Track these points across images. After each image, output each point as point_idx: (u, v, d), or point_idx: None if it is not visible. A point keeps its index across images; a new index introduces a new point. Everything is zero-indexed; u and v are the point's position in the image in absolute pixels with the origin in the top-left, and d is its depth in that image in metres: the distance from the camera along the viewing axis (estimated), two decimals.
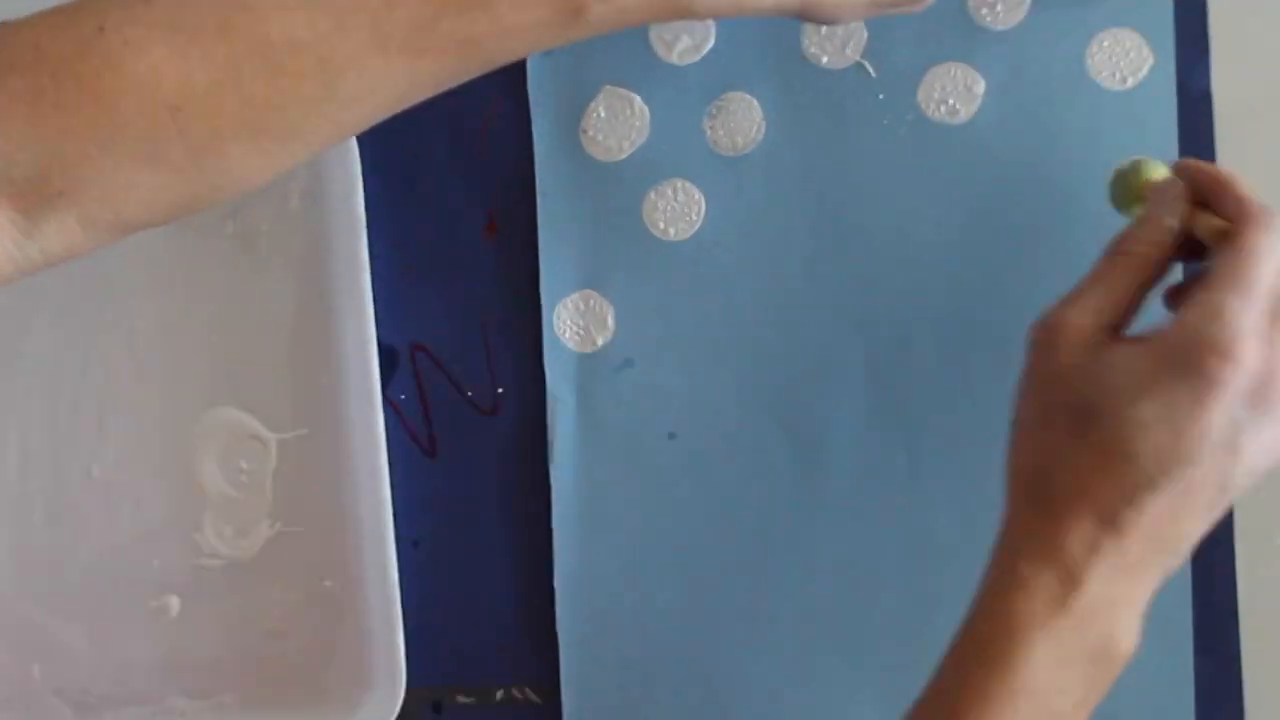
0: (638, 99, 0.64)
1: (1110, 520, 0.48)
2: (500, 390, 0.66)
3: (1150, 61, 0.62)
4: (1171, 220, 0.52)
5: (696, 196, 0.64)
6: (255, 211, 0.66)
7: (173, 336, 0.66)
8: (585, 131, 0.65)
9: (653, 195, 0.65)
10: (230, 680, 0.66)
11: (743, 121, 0.64)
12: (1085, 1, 0.62)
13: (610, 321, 0.65)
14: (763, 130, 0.64)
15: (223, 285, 0.66)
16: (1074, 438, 0.49)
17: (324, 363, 0.64)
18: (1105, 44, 0.62)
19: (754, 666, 0.64)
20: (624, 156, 0.65)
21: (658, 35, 0.64)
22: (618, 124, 0.65)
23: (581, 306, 0.65)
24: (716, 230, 0.64)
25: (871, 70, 0.63)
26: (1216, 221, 0.51)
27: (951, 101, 0.63)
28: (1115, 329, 0.51)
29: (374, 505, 0.63)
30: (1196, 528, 0.50)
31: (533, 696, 0.66)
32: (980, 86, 0.63)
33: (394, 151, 0.66)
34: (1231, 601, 0.62)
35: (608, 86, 0.65)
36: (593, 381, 0.65)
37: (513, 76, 0.65)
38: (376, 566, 0.64)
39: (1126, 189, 0.56)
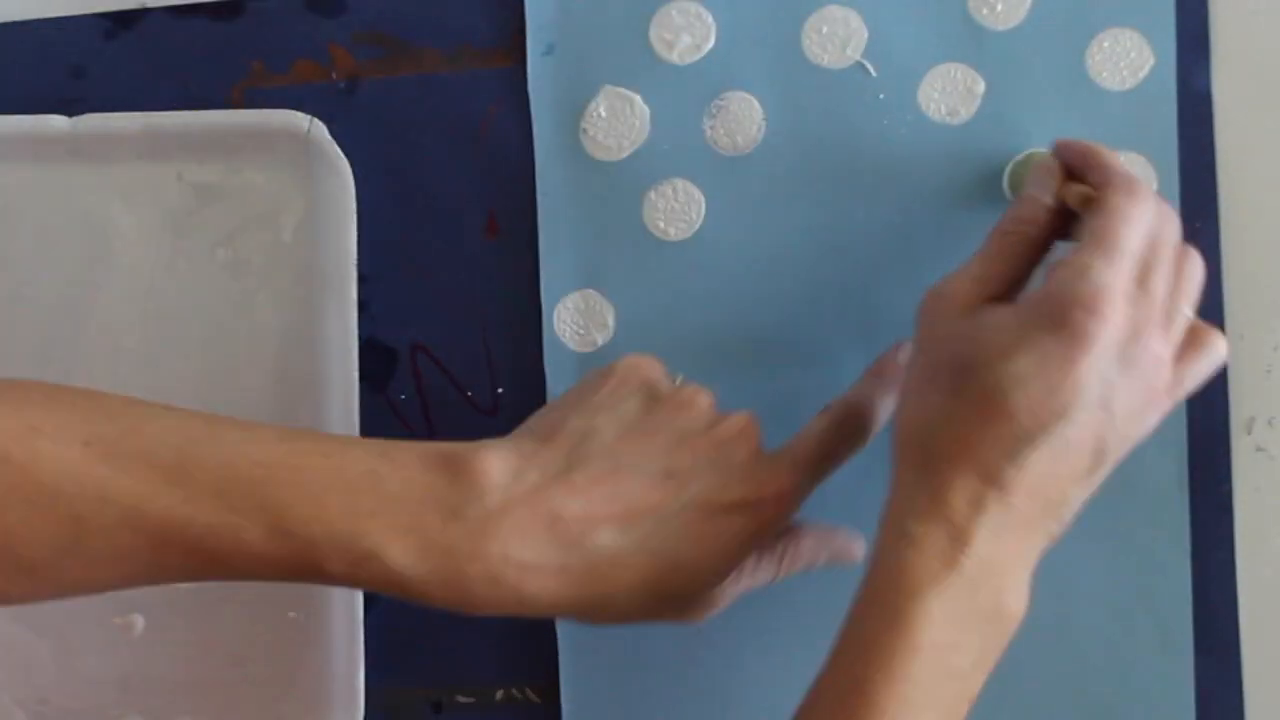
0: (638, 98, 0.64)
1: (992, 476, 0.49)
2: (500, 390, 0.66)
3: (1151, 62, 0.62)
4: (1044, 195, 0.55)
5: (697, 196, 0.64)
6: (248, 241, 0.66)
7: (156, 358, 0.66)
8: (585, 131, 0.65)
9: (653, 195, 0.65)
10: (189, 702, 0.65)
11: (743, 121, 0.64)
12: (1086, 1, 0.62)
13: (610, 321, 0.65)
14: (763, 130, 0.64)
15: (210, 312, 0.66)
16: (954, 396, 0.51)
17: (306, 397, 0.64)
18: (1106, 44, 0.62)
19: (754, 666, 0.64)
20: (624, 156, 0.65)
21: (658, 34, 0.64)
22: (618, 123, 0.65)
23: (581, 306, 0.65)
24: (717, 230, 0.64)
25: (872, 70, 0.63)
26: (1085, 189, 0.54)
27: (952, 102, 0.63)
28: (995, 299, 0.53)
29: None
30: (1079, 490, 0.51)
31: (532, 696, 0.66)
32: (980, 87, 0.63)
33: (394, 151, 0.66)
34: (1232, 601, 0.62)
35: (608, 86, 0.65)
36: None
37: (513, 76, 0.65)
38: (343, 603, 0.64)
39: (1017, 179, 0.60)
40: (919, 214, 0.63)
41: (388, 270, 0.66)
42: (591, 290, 0.65)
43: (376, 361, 0.66)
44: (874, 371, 0.60)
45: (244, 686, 0.66)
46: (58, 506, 0.50)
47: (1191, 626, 0.62)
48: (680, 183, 0.64)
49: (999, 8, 0.63)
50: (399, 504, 0.52)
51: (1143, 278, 0.51)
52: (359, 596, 0.64)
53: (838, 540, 0.60)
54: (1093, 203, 0.53)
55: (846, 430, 0.58)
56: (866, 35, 0.63)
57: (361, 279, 0.65)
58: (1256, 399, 0.62)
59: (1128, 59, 0.62)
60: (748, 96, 0.64)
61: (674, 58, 0.64)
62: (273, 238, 0.65)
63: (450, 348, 0.66)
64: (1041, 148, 0.60)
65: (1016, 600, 0.51)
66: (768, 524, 0.55)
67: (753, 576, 0.58)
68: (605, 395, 0.56)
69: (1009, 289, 0.54)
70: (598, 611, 0.54)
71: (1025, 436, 0.49)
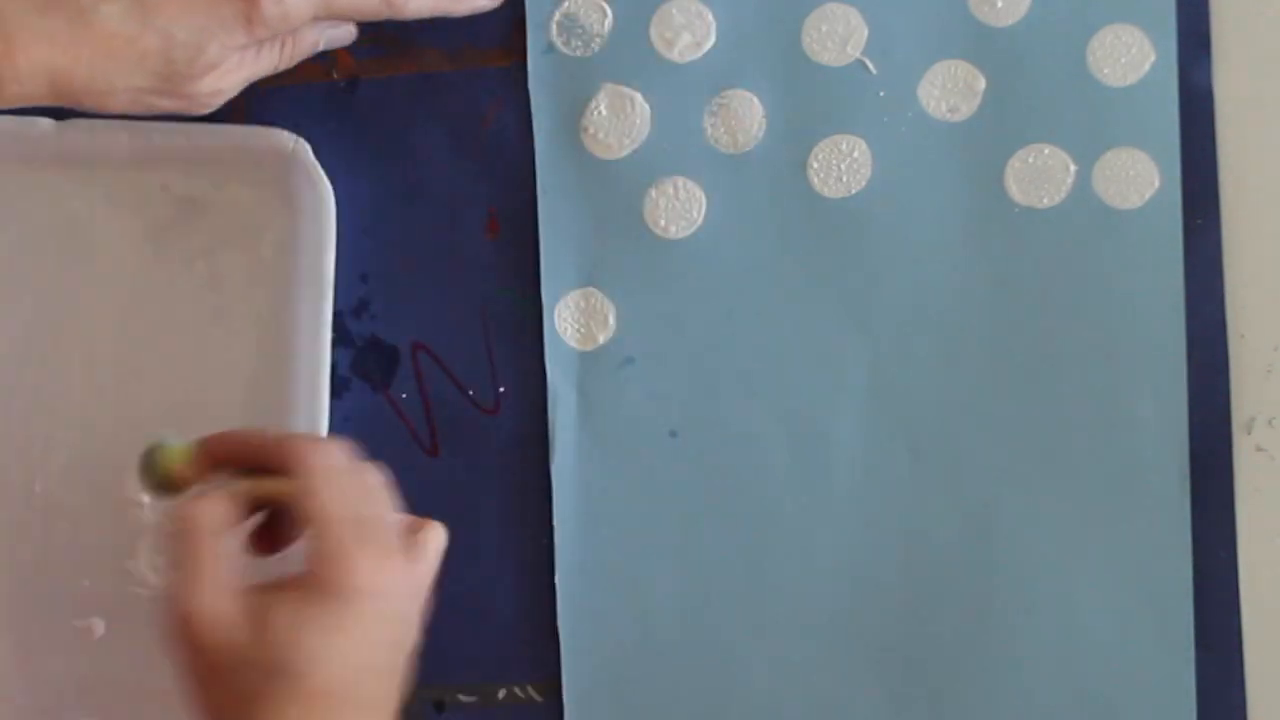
0: (638, 96, 0.64)
1: None
2: (501, 389, 0.66)
3: (1152, 58, 0.62)
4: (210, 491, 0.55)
5: (697, 194, 0.64)
6: (227, 256, 0.66)
7: (130, 364, 0.66)
8: (586, 129, 0.65)
9: (653, 193, 0.64)
10: (148, 708, 0.65)
11: (743, 119, 0.64)
12: None
13: (611, 319, 0.65)
14: (763, 127, 0.64)
15: (185, 323, 0.66)
16: (300, 702, 0.52)
17: (275, 412, 0.64)
18: (1107, 40, 0.62)
19: (754, 665, 0.64)
20: (625, 154, 0.65)
21: (659, 33, 0.64)
22: (618, 122, 0.64)
23: (582, 304, 0.65)
24: (717, 228, 0.64)
25: (872, 67, 0.63)
26: (277, 485, 0.55)
27: (953, 99, 0.63)
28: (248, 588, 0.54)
29: None
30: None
31: (534, 695, 0.66)
32: (981, 83, 0.63)
33: (394, 151, 0.66)
34: (1233, 599, 0.62)
35: (608, 84, 0.64)
36: (594, 380, 0.65)
37: (513, 75, 0.65)
38: None
39: (153, 475, 0.57)
40: (919, 211, 0.63)
41: (388, 270, 0.66)
42: (592, 288, 0.65)
43: (378, 361, 0.66)
44: None
45: None
46: None
47: (1193, 624, 0.62)
48: (681, 181, 0.64)
49: (1000, 4, 0.62)
50: None
51: (370, 527, 0.55)
52: None
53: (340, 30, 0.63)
54: (291, 487, 0.55)
55: None
56: (867, 32, 0.63)
57: (362, 279, 0.66)
58: (1256, 399, 0.62)
59: (1129, 55, 0.62)
60: (748, 94, 0.64)
61: (674, 56, 0.64)
62: (252, 254, 0.66)
63: (451, 346, 0.66)
64: (164, 439, 0.58)
65: None
66: (262, 13, 0.56)
67: (255, 65, 0.59)
68: None
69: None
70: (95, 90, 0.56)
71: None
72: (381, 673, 0.54)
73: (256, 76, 0.60)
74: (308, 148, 0.64)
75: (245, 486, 0.55)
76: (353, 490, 0.54)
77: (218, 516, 0.54)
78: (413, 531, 0.56)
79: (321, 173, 0.63)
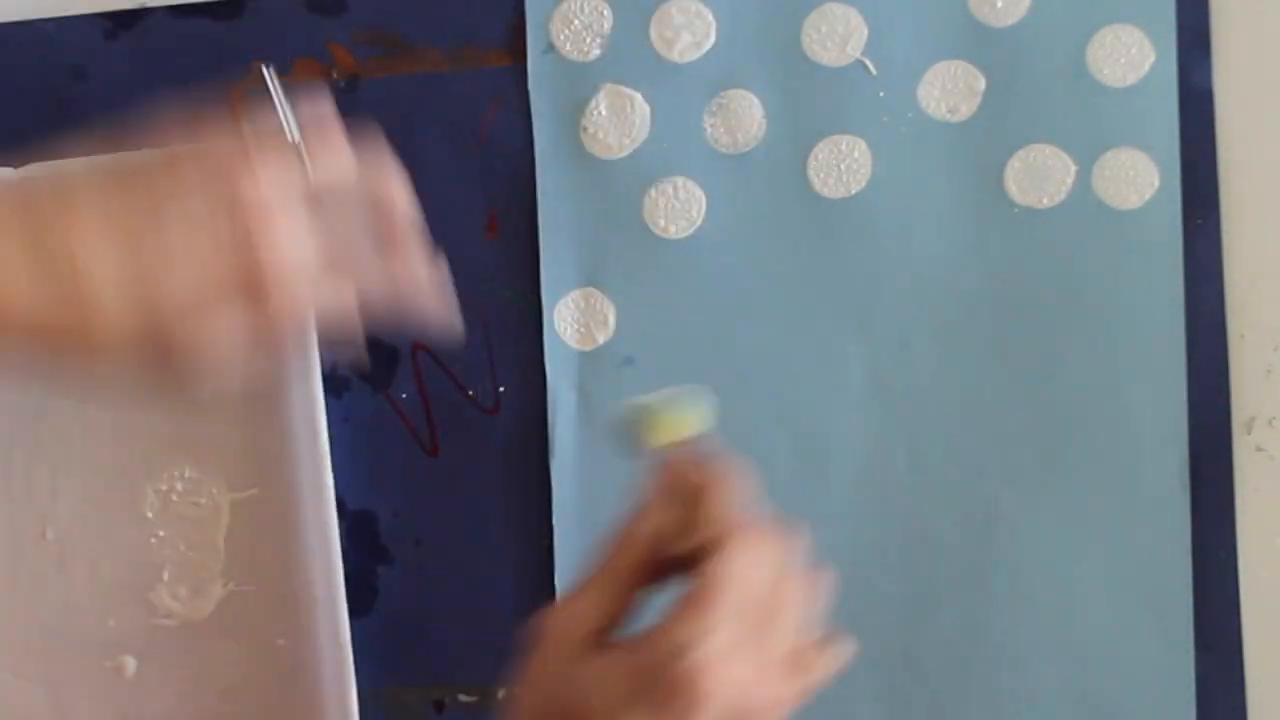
0: (638, 97, 0.64)
1: None
2: (501, 389, 0.66)
3: (1151, 58, 0.62)
4: (645, 531, 0.50)
5: (697, 194, 0.64)
6: None
7: (123, 400, 0.66)
8: (586, 129, 0.65)
9: (653, 193, 0.64)
10: None
11: (743, 119, 0.64)
12: None
13: (611, 319, 0.65)
14: (763, 127, 0.64)
15: None
16: None
17: (273, 423, 0.65)
18: (1107, 41, 0.62)
19: None
20: (624, 154, 0.65)
21: (659, 33, 0.64)
22: (618, 122, 0.64)
23: (582, 304, 0.65)
24: (717, 227, 0.64)
25: (872, 68, 0.63)
26: (690, 540, 0.49)
27: (952, 99, 0.63)
28: (605, 631, 0.49)
29: (325, 563, 0.64)
30: None
31: None
32: (981, 84, 0.63)
33: (394, 151, 0.66)
34: (1233, 599, 0.62)
35: (608, 84, 0.64)
36: (594, 379, 0.65)
37: (513, 76, 0.65)
38: (328, 624, 0.64)
39: (639, 424, 0.52)
40: (919, 211, 0.63)
41: None
42: (592, 288, 0.65)
43: (378, 361, 0.66)
44: None
45: (238, 718, 0.66)
46: None
47: (1192, 624, 0.62)
48: (680, 180, 0.64)
49: (1000, 4, 0.62)
50: None
51: (760, 626, 0.47)
52: (344, 617, 0.64)
53: None
54: (698, 555, 0.48)
55: None
56: (866, 33, 0.63)
57: None
58: (1256, 399, 0.62)
59: (1129, 55, 0.62)
60: (748, 94, 0.64)
61: (674, 56, 0.64)
62: None
63: (451, 347, 0.66)
64: (669, 400, 0.52)
65: None
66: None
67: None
68: None
69: (617, 619, 0.50)
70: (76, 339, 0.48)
71: None
72: None
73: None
74: None
75: (672, 523, 0.50)
76: (769, 581, 0.48)
77: (654, 545, 0.50)
78: (810, 648, 0.50)
79: None
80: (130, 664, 0.66)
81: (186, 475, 0.66)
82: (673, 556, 0.50)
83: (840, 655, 0.50)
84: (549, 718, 0.49)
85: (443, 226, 0.65)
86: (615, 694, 0.47)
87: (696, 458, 0.51)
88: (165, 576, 0.66)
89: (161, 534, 0.66)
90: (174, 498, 0.66)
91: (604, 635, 0.49)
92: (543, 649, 0.50)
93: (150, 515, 0.66)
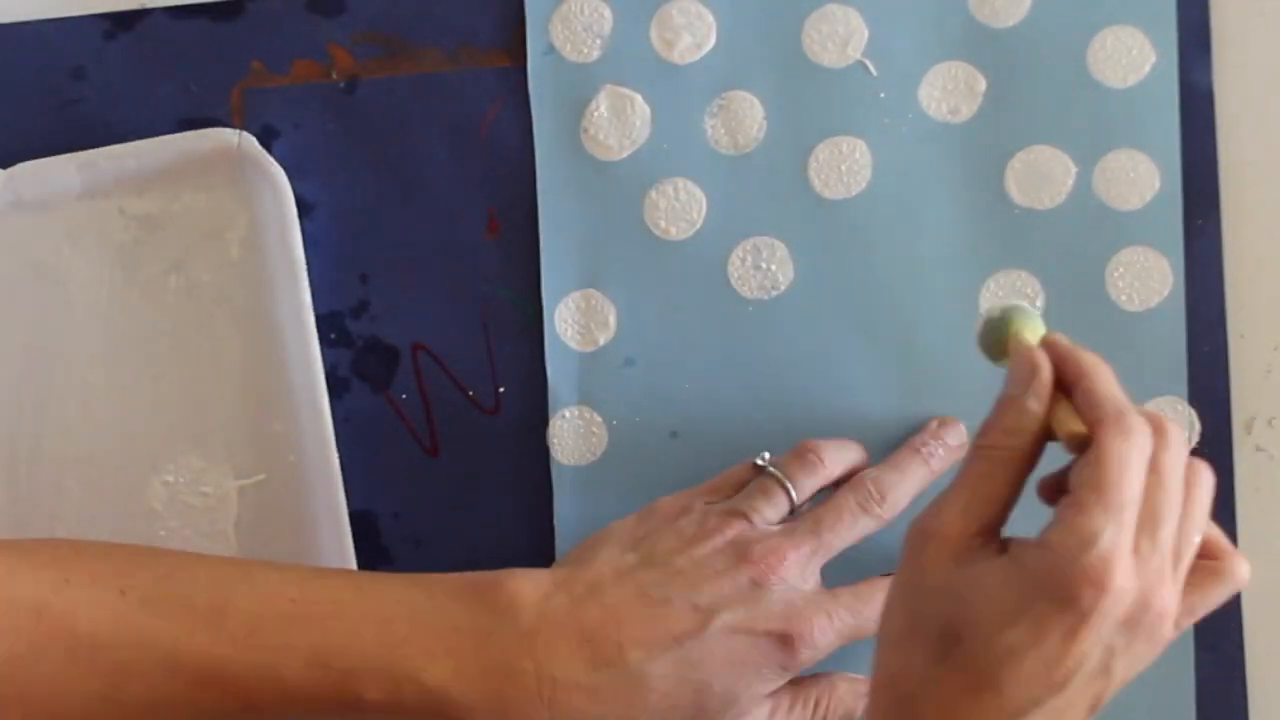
0: (639, 98, 0.64)
1: None
2: (501, 390, 0.66)
3: (1152, 59, 0.62)
4: (1034, 403, 0.48)
5: (698, 195, 0.64)
6: (197, 264, 0.66)
7: (125, 393, 0.66)
8: (586, 130, 0.65)
9: (654, 194, 0.64)
10: None
11: (744, 120, 0.64)
12: None
13: (611, 321, 0.65)
14: (764, 129, 0.64)
15: (170, 338, 0.66)
16: (939, 661, 0.46)
17: (276, 407, 0.65)
18: (1107, 42, 0.62)
19: None
20: (625, 155, 0.65)
21: (659, 34, 0.64)
22: (619, 123, 0.64)
23: (583, 305, 0.65)
24: (718, 229, 0.64)
25: (872, 69, 0.63)
26: (1074, 426, 0.47)
27: (953, 100, 0.63)
28: (989, 530, 0.47)
29: (337, 546, 0.64)
30: None
31: None
32: (982, 85, 0.63)
33: (394, 151, 0.66)
34: (1233, 599, 0.62)
35: (609, 85, 0.64)
36: (594, 380, 0.65)
37: (513, 76, 0.65)
38: None
39: (996, 342, 0.52)
40: (920, 213, 0.63)
41: (388, 270, 0.66)
42: (593, 290, 0.65)
43: (378, 361, 0.66)
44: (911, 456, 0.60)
45: None
46: (97, 655, 0.51)
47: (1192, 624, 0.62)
48: (681, 182, 0.64)
49: (1000, 5, 0.62)
50: (433, 630, 0.53)
51: (1149, 526, 0.45)
52: None
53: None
54: (1086, 444, 0.46)
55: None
56: (867, 34, 0.63)
57: (362, 279, 0.66)
58: (1256, 399, 0.62)
59: (1129, 56, 0.62)
60: (748, 95, 0.64)
61: (674, 57, 0.64)
62: (220, 256, 0.66)
63: (451, 346, 0.66)
64: (1022, 304, 0.52)
65: None
66: (798, 656, 0.55)
67: (787, 717, 0.58)
68: (641, 532, 0.58)
69: (1000, 514, 0.48)
70: None
71: (1016, 711, 0.45)
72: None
73: None
74: (253, 140, 0.64)
75: (1053, 409, 0.47)
76: (1158, 473, 0.45)
77: (1025, 438, 0.47)
78: (1215, 562, 0.48)
79: (271, 159, 0.64)
80: None
81: (192, 465, 0.66)
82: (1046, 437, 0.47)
83: (1237, 573, 0.48)
84: (930, 628, 0.46)
85: (442, 227, 0.66)
86: (1007, 598, 0.45)
87: (1070, 345, 0.48)
88: None
89: (170, 525, 0.66)
90: (180, 488, 0.66)
91: (987, 536, 0.47)
92: (918, 553, 0.47)
93: (159, 508, 0.66)
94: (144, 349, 0.66)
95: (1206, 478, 0.48)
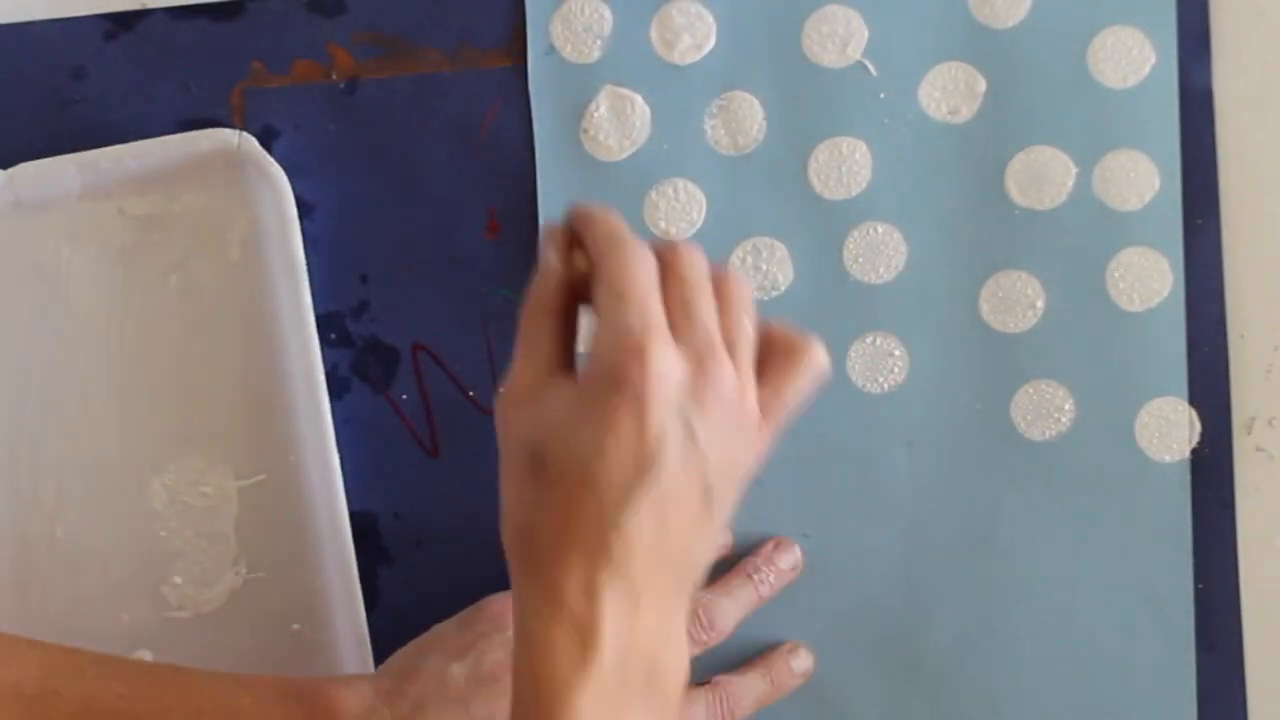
0: (639, 98, 0.64)
1: (599, 555, 0.45)
2: (501, 389, 0.65)
3: (1152, 60, 0.62)
4: (552, 260, 0.50)
5: (698, 196, 0.64)
6: (197, 265, 0.66)
7: (125, 394, 0.66)
8: (586, 131, 0.65)
9: (654, 195, 0.65)
10: None
11: (744, 121, 0.64)
12: None
13: None
14: (764, 129, 0.64)
15: (171, 339, 0.66)
16: (539, 485, 0.47)
17: (277, 407, 0.65)
18: (1107, 42, 0.62)
19: None
20: (625, 156, 0.65)
21: (659, 35, 0.64)
22: (619, 123, 0.65)
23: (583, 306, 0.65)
24: (718, 230, 0.64)
25: (872, 69, 0.63)
26: (583, 255, 0.50)
27: (953, 100, 0.63)
28: (555, 368, 0.49)
29: (337, 545, 0.63)
30: (699, 533, 0.48)
31: None
32: (982, 85, 0.63)
33: (394, 151, 0.66)
34: (1233, 600, 0.62)
35: (609, 86, 0.64)
36: None
37: (513, 76, 0.65)
38: (345, 606, 0.64)
39: None
40: (920, 213, 0.63)
41: (388, 270, 0.66)
42: None
43: (378, 361, 0.66)
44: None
45: None
46: None
47: (1193, 625, 0.62)
48: (681, 182, 0.64)
49: (1000, 6, 0.62)
50: None
51: (680, 308, 0.47)
52: (359, 599, 0.64)
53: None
54: (594, 267, 0.49)
55: None
56: (867, 34, 0.63)
57: (362, 280, 0.66)
58: (1256, 399, 0.62)
59: (1129, 57, 0.62)
60: (748, 96, 0.64)
61: (675, 57, 0.64)
62: (220, 256, 0.65)
63: (452, 347, 0.66)
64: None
65: (675, 663, 0.48)
66: None
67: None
68: (468, 639, 0.58)
69: (557, 353, 0.50)
70: None
71: (618, 501, 0.45)
72: (676, 518, 0.46)
73: None
74: (253, 140, 0.64)
75: (569, 256, 0.50)
76: (675, 275, 0.48)
77: (552, 292, 0.49)
78: (784, 347, 0.50)
79: (270, 160, 0.64)
80: (147, 658, 0.66)
81: (192, 465, 0.66)
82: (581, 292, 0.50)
83: (811, 354, 0.51)
84: (524, 463, 0.48)
85: (442, 227, 0.66)
86: (575, 405, 0.47)
87: (587, 208, 0.51)
88: (177, 568, 0.66)
89: (171, 526, 0.66)
90: (181, 489, 0.66)
91: (556, 374, 0.49)
92: (503, 416, 0.49)
93: (158, 508, 0.66)
94: (144, 349, 0.66)
95: (738, 279, 0.50)
